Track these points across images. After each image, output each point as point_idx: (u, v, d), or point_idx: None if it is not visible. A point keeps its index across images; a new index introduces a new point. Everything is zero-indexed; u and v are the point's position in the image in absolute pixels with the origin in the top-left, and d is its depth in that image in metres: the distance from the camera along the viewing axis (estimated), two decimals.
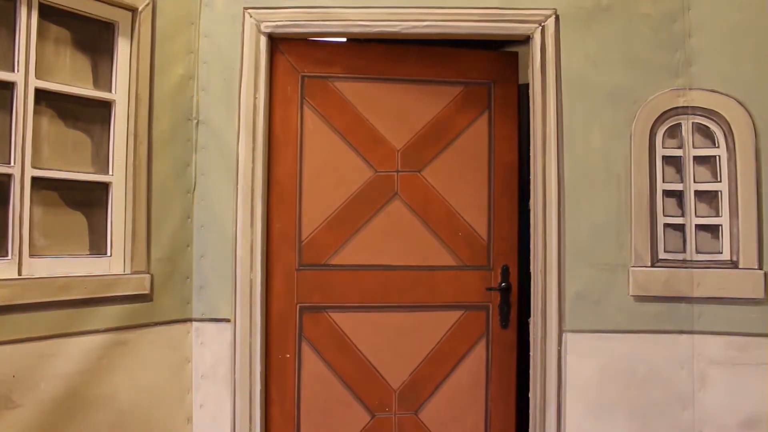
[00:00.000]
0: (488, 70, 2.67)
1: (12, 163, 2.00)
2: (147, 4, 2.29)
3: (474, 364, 2.62)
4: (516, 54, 2.74)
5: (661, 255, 2.35)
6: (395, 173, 2.63)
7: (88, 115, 2.23)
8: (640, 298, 2.33)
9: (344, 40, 2.95)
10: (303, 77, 2.58)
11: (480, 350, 2.63)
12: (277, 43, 2.53)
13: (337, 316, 2.58)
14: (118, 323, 2.18)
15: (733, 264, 2.30)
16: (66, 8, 2.14)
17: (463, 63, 2.68)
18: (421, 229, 2.62)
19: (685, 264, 2.34)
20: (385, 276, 2.60)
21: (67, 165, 2.17)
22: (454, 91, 2.64)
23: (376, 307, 2.59)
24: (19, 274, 2.00)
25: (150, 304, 2.28)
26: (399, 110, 2.63)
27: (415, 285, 2.60)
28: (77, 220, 2.21)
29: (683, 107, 2.36)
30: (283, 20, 2.45)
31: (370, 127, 2.62)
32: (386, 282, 2.60)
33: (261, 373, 2.42)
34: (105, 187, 2.25)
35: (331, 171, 2.59)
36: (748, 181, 2.30)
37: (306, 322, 2.56)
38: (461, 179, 2.50)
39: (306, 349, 2.55)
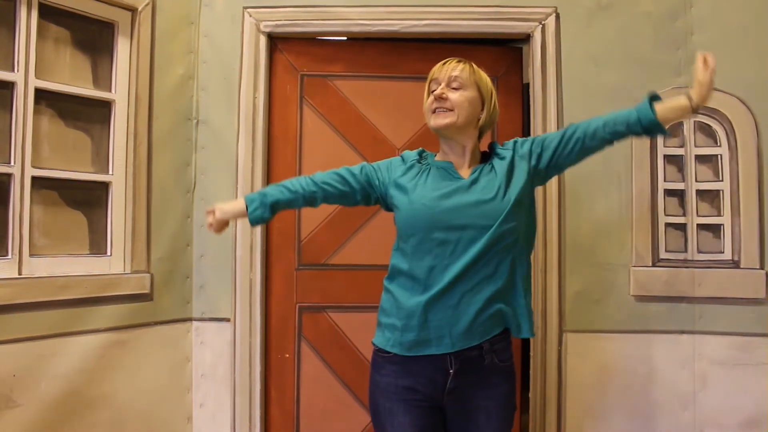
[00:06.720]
0: (492, 66, 2.58)
1: (12, 163, 2.01)
2: (147, 4, 2.30)
3: None
4: (520, 49, 2.69)
5: (662, 254, 2.34)
6: None
7: (88, 115, 2.24)
8: (641, 298, 2.32)
9: (344, 38, 2.93)
10: (302, 76, 2.57)
11: None
12: (276, 42, 2.53)
13: (336, 316, 2.55)
14: (118, 323, 2.19)
15: (735, 264, 2.29)
16: (66, 8, 2.15)
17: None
18: None
19: (686, 264, 2.32)
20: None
21: (67, 164, 2.18)
22: None
23: (376, 308, 2.57)
24: (20, 273, 2.01)
25: (150, 304, 2.29)
26: (399, 108, 2.59)
27: None
28: (77, 219, 2.22)
29: None
30: (283, 19, 2.45)
31: (370, 125, 2.61)
32: None
33: (261, 372, 2.42)
34: (105, 186, 2.25)
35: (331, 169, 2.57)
36: (750, 181, 2.29)
37: (305, 322, 2.55)
38: None
39: (305, 349, 2.54)
